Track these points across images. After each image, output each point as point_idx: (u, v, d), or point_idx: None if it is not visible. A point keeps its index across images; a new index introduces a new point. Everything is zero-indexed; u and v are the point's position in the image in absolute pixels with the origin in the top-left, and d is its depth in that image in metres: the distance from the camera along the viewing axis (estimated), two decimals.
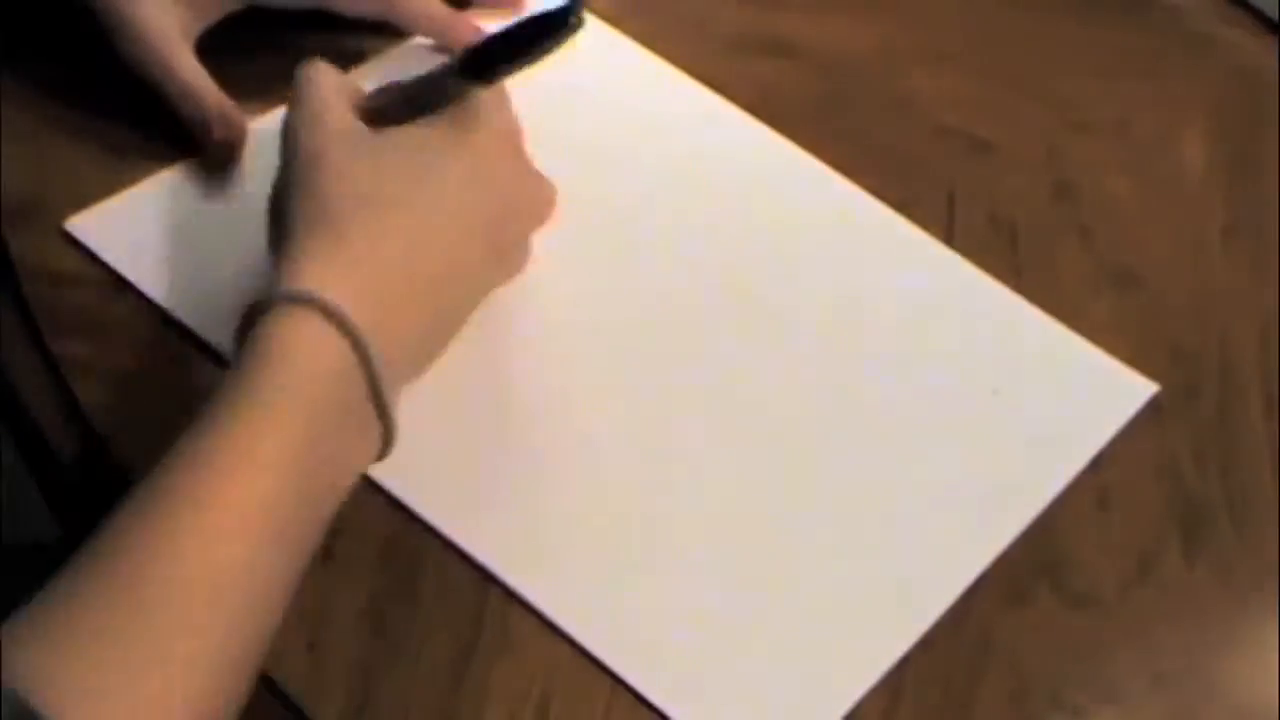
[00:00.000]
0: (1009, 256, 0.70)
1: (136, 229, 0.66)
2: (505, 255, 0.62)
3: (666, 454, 0.61)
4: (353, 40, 0.74)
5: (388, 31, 0.74)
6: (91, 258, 0.65)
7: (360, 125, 0.60)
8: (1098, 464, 0.62)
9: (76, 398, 0.61)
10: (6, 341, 0.63)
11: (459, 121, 0.60)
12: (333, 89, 0.60)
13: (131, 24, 0.67)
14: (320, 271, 0.54)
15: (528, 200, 0.63)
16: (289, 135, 0.59)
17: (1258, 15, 0.83)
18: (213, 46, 0.70)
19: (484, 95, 0.60)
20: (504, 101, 0.62)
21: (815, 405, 0.63)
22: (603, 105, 0.74)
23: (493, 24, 0.75)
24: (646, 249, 0.68)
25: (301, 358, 0.53)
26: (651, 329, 0.65)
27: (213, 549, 0.49)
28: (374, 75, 0.73)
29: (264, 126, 0.70)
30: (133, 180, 0.68)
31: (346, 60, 0.73)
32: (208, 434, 0.51)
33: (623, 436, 0.62)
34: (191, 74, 0.68)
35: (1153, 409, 0.65)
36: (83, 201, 0.66)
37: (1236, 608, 0.59)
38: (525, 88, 0.70)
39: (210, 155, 0.68)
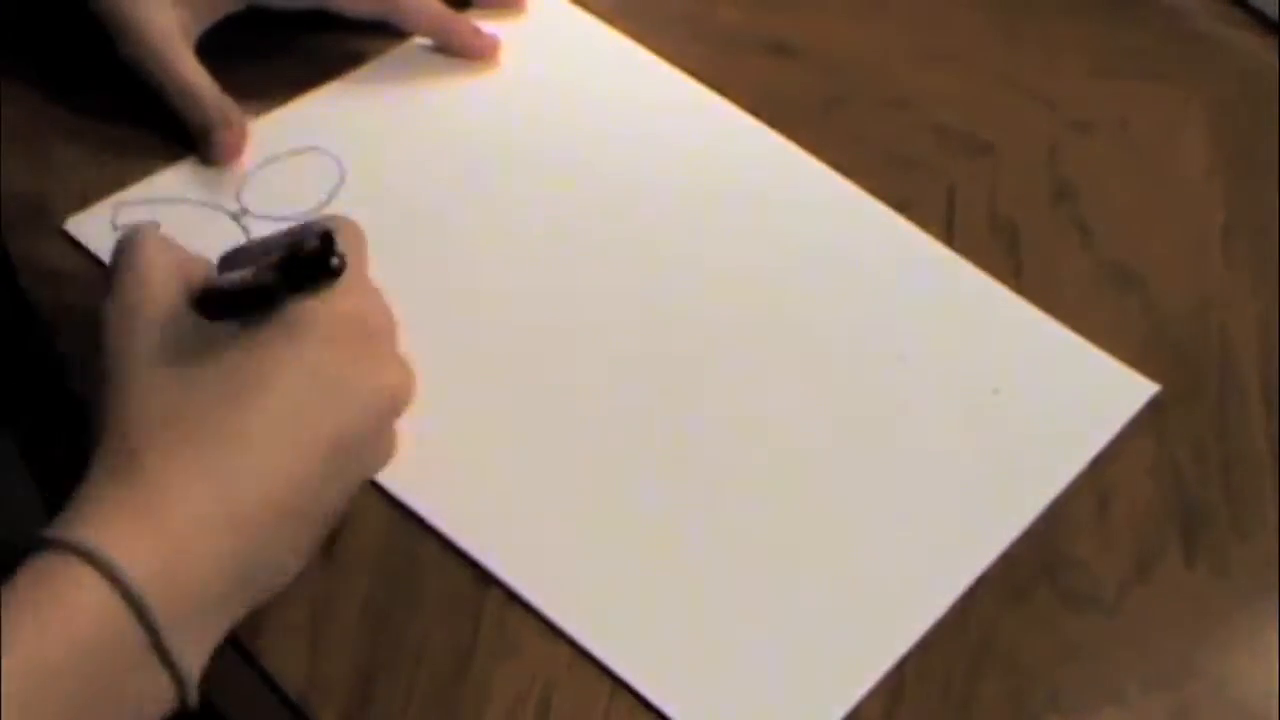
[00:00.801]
0: (1009, 256, 0.70)
1: None
2: (357, 456, 0.55)
3: (666, 454, 0.61)
4: (352, 41, 0.74)
5: (387, 32, 0.74)
6: (91, 258, 0.65)
7: (176, 328, 0.53)
8: (1098, 464, 0.62)
9: (76, 397, 0.61)
10: (6, 340, 0.63)
11: (286, 325, 0.53)
12: (158, 270, 0.54)
13: (132, 25, 0.68)
14: (104, 512, 0.49)
15: (374, 394, 0.55)
16: (101, 331, 0.53)
17: (1258, 15, 0.83)
18: (213, 46, 0.70)
19: (318, 300, 0.53)
20: (347, 285, 0.53)
21: (815, 405, 0.63)
22: (602, 104, 0.74)
23: (491, 25, 0.76)
24: (646, 249, 0.68)
25: (68, 612, 0.47)
26: (651, 329, 0.65)
27: None
28: (373, 76, 0.73)
29: (264, 126, 0.70)
30: (133, 180, 0.68)
31: (346, 61, 0.74)
32: None
33: (622, 436, 0.62)
34: (192, 74, 0.68)
35: (1153, 409, 0.65)
36: (83, 201, 0.67)
37: (1236, 608, 0.59)
38: (526, 88, 0.70)
39: (211, 155, 0.68)
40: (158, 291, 0.53)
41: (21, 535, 0.48)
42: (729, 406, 0.63)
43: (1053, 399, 0.65)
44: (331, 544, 0.56)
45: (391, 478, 0.59)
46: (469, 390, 0.62)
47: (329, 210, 0.68)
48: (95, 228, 0.66)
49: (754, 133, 0.73)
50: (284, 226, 0.65)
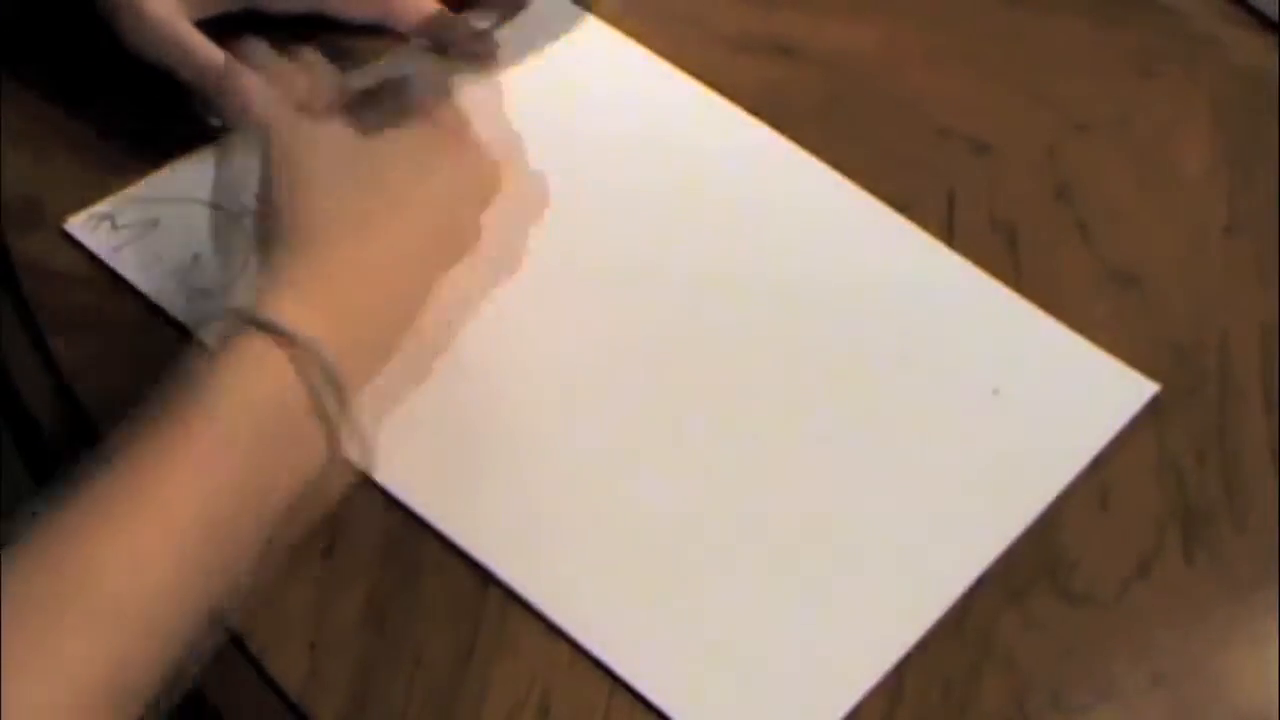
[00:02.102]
0: (1009, 256, 0.70)
1: (136, 229, 0.66)
2: (453, 242, 0.62)
3: (666, 455, 0.61)
4: (352, 41, 0.74)
5: (387, 33, 0.74)
6: (91, 258, 0.65)
7: (335, 133, 0.60)
8: (1098, 464, 0.62)
9: (76, 397, 0.61)
10: (6, 341, 0.63)
11: (396, 120, 0.61)
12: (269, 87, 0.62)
13: (131, 5, 0.67)
14: (287, 291, 0.55)
15: (471, 186, 0.63)
16: (267, 141, 0.60)
17: (1258, 15, 0.83)
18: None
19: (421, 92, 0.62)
20: (442, 90, 0.63)
21: (815, 405, 0.63)
22: (604, 105, 0.74)
23: (486, 23, 0.76)
24: (647, 248, 0.68)
25: (255, 380, 0.53)
26: (652, 329, 0.65)
27: (139, 573, 0.48)
28: (372, 78, 0.73)
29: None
30: (132, 180, 0.68)
31: (346, 61, 0.74)
32: (145, 445, 0.51)
33: (622, 437, 0.62)
34: (198, 44, 0.68)
35: (1153, 409, 0.65)
36: (83, 201, 0.67)
37: (1236, 608, 0.59)
38: (527, 89, 0.70)
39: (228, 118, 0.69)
40: (280, 100, 0.62)
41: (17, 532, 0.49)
42: (729, 406, 0.63)
43: (1053, 399, 0.65)
44: (331, 544, 0.56)
45: (392, 478, 0.59)
46: (469, 391, 0.62)
47: None
48: (95, 228, 0.66)
49: (755, 133, 0.73)
50: None
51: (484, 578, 0.57)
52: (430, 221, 0.60)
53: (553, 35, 0.77)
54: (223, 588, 0.51)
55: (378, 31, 0.74)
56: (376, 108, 0.62)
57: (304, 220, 0.57)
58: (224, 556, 0.51)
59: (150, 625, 0.48)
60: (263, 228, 0.58)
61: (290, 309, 0.54)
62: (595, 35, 0.77)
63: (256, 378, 0.53)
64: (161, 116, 0.69)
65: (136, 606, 0.48)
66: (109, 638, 0.48)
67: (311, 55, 0.66)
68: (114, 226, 0.66)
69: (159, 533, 0.49)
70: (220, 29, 0.70)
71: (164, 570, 0.49)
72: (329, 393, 0.54)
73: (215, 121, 0.70)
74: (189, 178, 0.68)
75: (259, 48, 0.66)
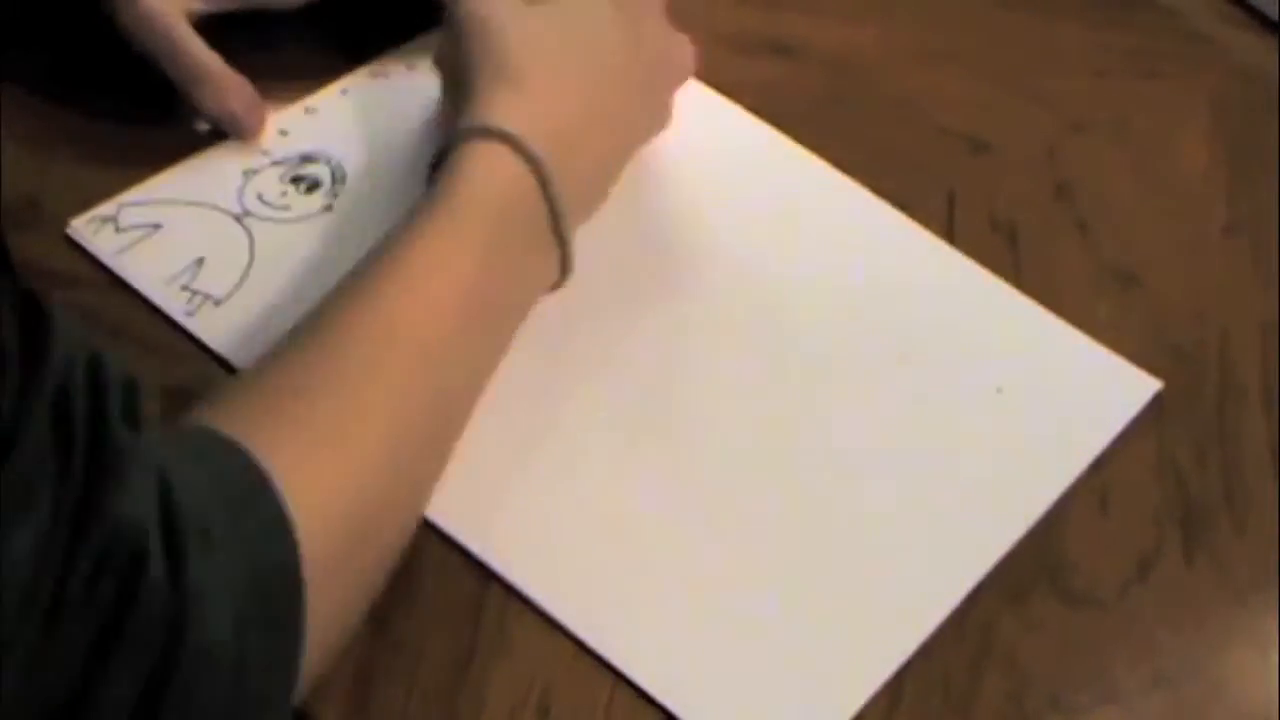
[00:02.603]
0: (1009, 256, 0.70)
1: (136, 230, 0.66)
2: (655, 109, 0.69)
3: (667, 453, 0.61)
4: (352, 42, 0.74)
5: (386, 34, 0.74)
6: (91, 259, 0.65)
7: None
8: (1098, 464, 0.62)
9: None
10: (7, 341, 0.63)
11: None
12: None
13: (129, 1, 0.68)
14: (503, 110, 0.61)
15: (672, 59, 0.69)
16: (458, 10, 0.65)
17: (1258, 15, 0.83)
18: (212, 45, 0.69)
19: None
20: None
21: (816, 405, 0.63)
22: None
23: None
24: (646, 248, 0.68)
25: (488, 181, 0.59)
26: (652, 328, 0.65)
27: (418, 326, 0.56)
28: (372, 78, 0.73)
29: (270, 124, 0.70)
30: (133, 181, 0.68)
31: (346, 61, 0.74)
32: (402, 240, 0.58)
33: (623, 436, 0.62)
34: (190, 41, 0.68)
35: (1153, 409, 0.65)
36: (83, 203, 0.66)
37: (1236, 608, 0.59)
38: None
39: (227, 125, 0.69)
40: None
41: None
42: (730, 405, 0.63)
43: (1057, 397, 0.65)
44: None
45: None
46: None
47: (326, 213, 0.68)
48: (96, 229, 0.66)
49: (756, 132, 0.73)
50: (286, 226, 0.66)
51: (484, 578, 0.57)
52: (639, 87, 0.66)
53: None
54: (482, 360, 0.59)
55: (379, 31, 0.74)
56: None
57: (501, 54, 0.63)
58: (483, 328, 0.59)
59: (439, 368, 0.56)
60: (454, 69, 0.65)
61: (510, 122, 0.60)
62: None
63: (497, 185, 0.59)
64: (164, 119, 0.69)
65: (443, 344, 0.56)
66: (431, 366, 0.56)
67: None
68: (117, 229, 0.66)
69: (441, 294, 0.57)
70: (222, 29, 0.70)
71: (453, 319, 0.57)
72: (555, 197, 0.60)
73: (202, 126, 0.70)
74: (192, 180, 0.68)
75: None
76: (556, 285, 0.63)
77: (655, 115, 0.69)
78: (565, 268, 0.62)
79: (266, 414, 0.52)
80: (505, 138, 0.60)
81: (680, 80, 0.69)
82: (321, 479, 0.51)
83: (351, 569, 0.52)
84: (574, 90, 0.63)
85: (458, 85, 0.64)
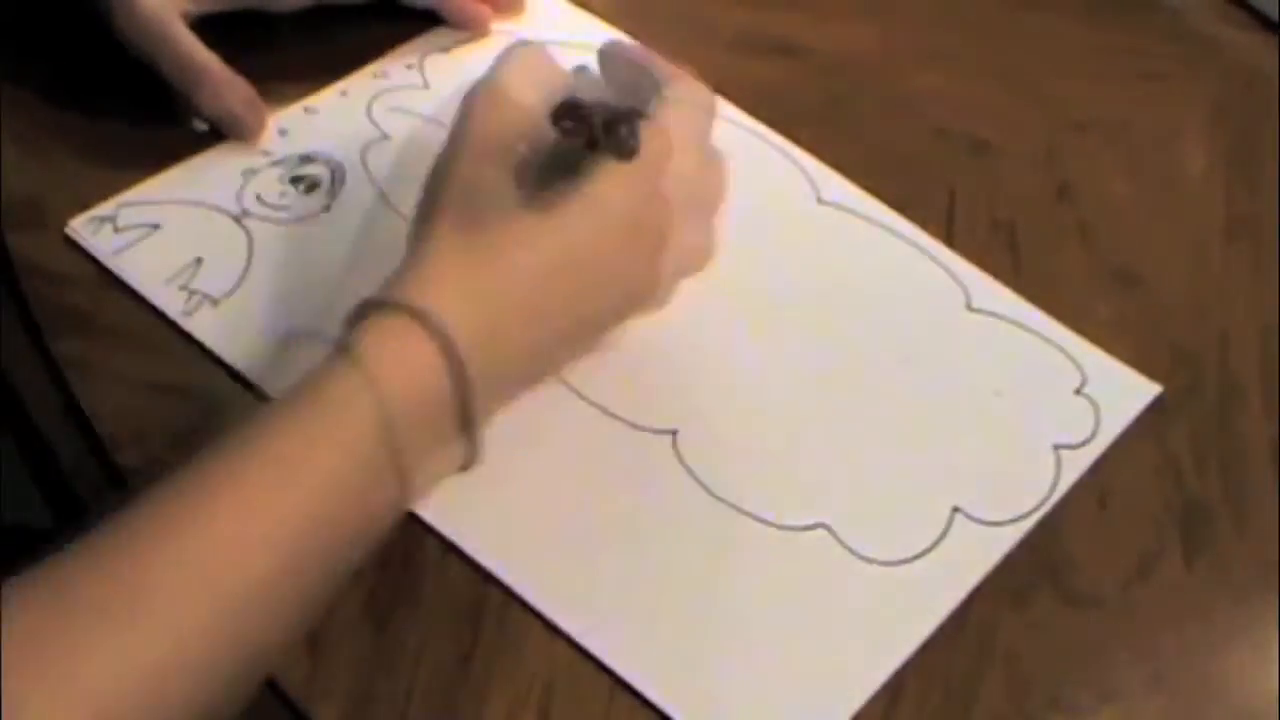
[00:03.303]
0: (1009, 256, 0.70)
1: (135, 230, 0.66)
2: (641, 302, 0.61)
3: (666, 453, 0.61)
4: (351, 44, 0.74)
5: (386, 34, 0.75)
6: (91, 258, 0.65)
7: (532, 135, 0.58)
8: (1098, 464, 0.62)
9: (76, 398, 0.61)
10: (6, 341, 0.63)
11: (618, 214, 0.58)
12: (525, 77, 0.60)
13: (125, 1, 0.67)
14: (438, 284, 0.54)
15: (681, 253, 0.61)
16: (465, 107, 0.59)
17: (1258, 15, 0.83)
18: (211, 45, 0.69)
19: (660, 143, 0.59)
20: (678, 149, 0.60)
21: (815, 406, 0.63)
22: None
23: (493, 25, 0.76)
24: None
25: (395, 362, 0.53)
26: (649, 330, 0.65)
27: (227, 573, 0.48)
28: (371, 79, 0.74)
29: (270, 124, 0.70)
30: (133, 180, 0.68)
31: (346, 61, 0.74)
32: (279, 419, 0.52)
33: (622, 435, 0.61)
34: (186, 42, 0.68)
35: (1153, 409, 0.65)
36: (83, 202, 0.67)
37: (1236, 608, 0.59)
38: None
39: (226, 126, 0.69)
40: (519, 91, 0.59)
41: (20, 530, 0.49)
42: (729, 405, 0.63)
43: (1055, 401, 0.65)
44: None
45: None
46: None
47: (326, 213, 0.68)
48: (95, 229, 0.66)
49: (754, 132, 0.73)
50: (285, 226, 0.65)
51: (484, 578, 0.57)
52: (616, 286, 0.59)
53: (553, 36, 0.77)
54: (340, 575, 0.53)
55: (378, 31, 0.74)
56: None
57: (468, 198, 0.56)
58: (350, 540, 0.52)
59: (271, 607, 0.49)
60: (426, 194, 0.58)
61: (441, 292, 0.54)
62: (596, 35, 0.77)
63: (404, 369, 0.53)
64: (163, 119, 0.69)
65: (238, 592, 0.48)
66: (221, 632, 0.48)
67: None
68: (115, 229, 0.66)
69: (294, 511, 0.50)
70: (222, 29, 0.70)
71: (284, 552, 0.49)
72: (469, 390, 0.54)
73: (200, 126, 0.70)
74: (191, 180, 0.68)
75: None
76: (463, 469, 0.57)
77: (637, 307, 0.61)
78: (471, 458, 0.56)
79: (24, 642, 0.45)
80: (427, 318, 0.53)
81: (684, 275, 0.62)
82: None
83: None
84: (528, 284, 0.56)
85: (415, 229, 0.57)
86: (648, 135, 0.57)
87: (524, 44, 0.62)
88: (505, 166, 0.57)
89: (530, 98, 0.59)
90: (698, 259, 0.62)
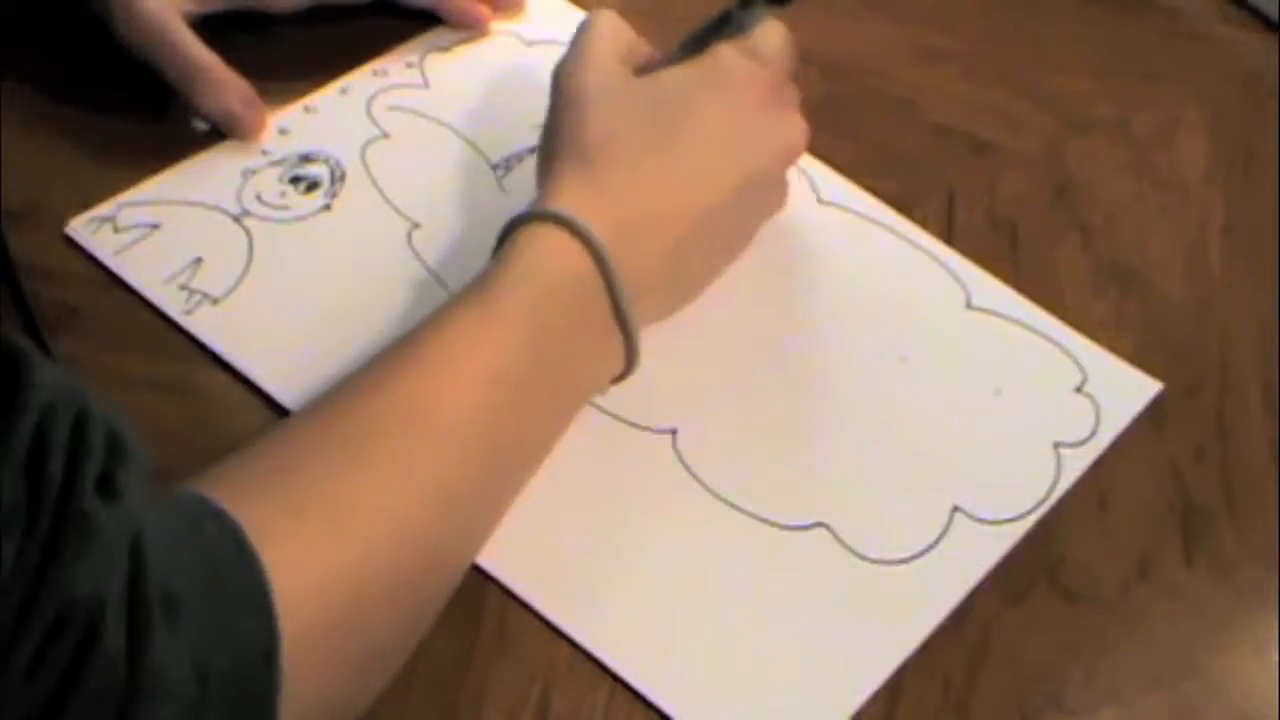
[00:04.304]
0: (1009, 256, 0.70)
1: (135, 230, 0.66)
2: (759, 196, 0.65)
3: (667, 453, 0.61)
4: (351, 44, 0.74)
5: (385, 34, 0.74)
6: (91, 258, 0.65)
7: (620, 71, 0.63)
8: (1098, 464, 0.62)
9: None
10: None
11: (709, 69, 0.63)
12: (608, 37, 0.64)
13: (125, 2, 0.67)
14: (572, 196, 0.59)
15: (773, 141, 0.65)
16: (558, 78, 0.63)
17: (1258, 15, 0.83)
18: (211, 45, 0.69)
19: (730, 47, 0.64)
20: (764, 44, 0.65)
21: (815, 406, 0.63)
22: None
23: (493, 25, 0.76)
24: None
25: (543, 259, 0.58)
26: (649, 327, 0.65)
27: (440, 412, 0.53)
28: (370, 79, 0.74)
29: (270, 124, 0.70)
30: (133, 180, 0.68)
31: (346, 61, 0.74)
32: (448, 314, 0.56)
33: (622, 435, 0.61)
34: (187, 43, 0.68)
35: (1153, 409, 0.65)
36: (83, 202, 0.67)
37: (1236, 608, 0.59)
38: (523, 87, 0.70)
39: (226, 125, 0.69)
40: (604, 48, 0.64)
41: None
42: (728, 405, 0.63)
43: (1055, 399, 0.65)
44: None
45: None
46: None
47: (326, 213, 0.68)
48: (94, 228, 0.66)
49: None
50: (285, 226, 0.66)
51: (484, 578, 0.57)
52: (733, 177, 0.62)
53: (553, 36, 0.77)
54: (518, 444, 0.57)
55: (378, 32, 0.74)
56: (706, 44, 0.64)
57: (579, 140, 0.61)
58: (521, 411, 0.56)
59: (458, 454, 0.53)
60: (543, 150, 0.63)
61: (574, 208, 0.58)
62: None
63: (555, 270, 0.57)
64: (164, 119, 0.69)
65: (466, 430, 0.53)
66: (449, 454, 0.53)
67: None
68: (115, 229, 0.66)
69: (472, 372, 0.54)
70: (222, 29, 0.70)
71: (483, 407, 0.54)
72: (614, 282, 0.58)
73: (199, 125, 0.70)
74: (191, 180, 0.68)
75: None
76: (620, 378, 0.61)
77: (757, 201, 0.66)
78: (630, 360, 0.60)
79: (264, 492, 0.49)
80: (566, 223, 0.58)
81: (788, 163, 0.66)
82: (312, 561, 0.48)
83: (339, 659, 0.49)
84: (655, 178, 0.60)
85: (543, 160, 0.63)
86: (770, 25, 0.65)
87: (600, 13, 0.66)
88: (624, 73, 0.63)
89: (610, 51, 0.64)
90: (799, 148, 0.66)
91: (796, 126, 0.65)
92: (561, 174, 0.60)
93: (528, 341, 0.56)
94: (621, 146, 0.61)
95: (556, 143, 0.62)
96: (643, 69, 0.65)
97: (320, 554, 0.49)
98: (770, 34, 0.65)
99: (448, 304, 0.57)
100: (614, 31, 0.65)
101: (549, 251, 0.58)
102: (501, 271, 0.57)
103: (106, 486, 0.43)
